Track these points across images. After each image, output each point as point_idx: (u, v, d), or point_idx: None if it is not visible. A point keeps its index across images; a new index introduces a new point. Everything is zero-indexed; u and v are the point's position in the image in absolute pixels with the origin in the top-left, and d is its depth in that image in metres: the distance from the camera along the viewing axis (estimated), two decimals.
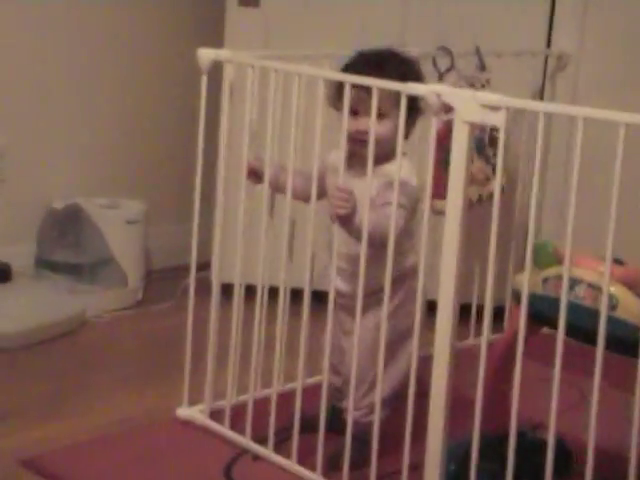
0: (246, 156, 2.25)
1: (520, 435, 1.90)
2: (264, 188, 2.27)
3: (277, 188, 2.26)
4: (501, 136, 1.74)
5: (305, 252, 2.16)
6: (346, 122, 2.02)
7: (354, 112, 2.10)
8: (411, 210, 2.14)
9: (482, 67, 2.88)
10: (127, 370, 2.82)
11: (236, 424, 2.35)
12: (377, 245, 2.05)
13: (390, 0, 3.22)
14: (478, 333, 2.60)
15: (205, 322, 2.44)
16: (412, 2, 3.20)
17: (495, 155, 2.74)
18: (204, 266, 3.54)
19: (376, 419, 2.06)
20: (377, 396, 2.06)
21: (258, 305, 2.36)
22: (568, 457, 2.09)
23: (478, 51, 2.87)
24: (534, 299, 1.89)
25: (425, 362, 2.02)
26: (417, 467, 1.98)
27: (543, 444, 1.90)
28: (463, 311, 2.12)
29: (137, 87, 3.59)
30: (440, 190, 2.53)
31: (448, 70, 2.76)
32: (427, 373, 1.96)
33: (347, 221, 2.03)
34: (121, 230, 3.29)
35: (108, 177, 3.53)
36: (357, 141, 2.13)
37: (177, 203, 3.70)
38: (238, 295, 2.36)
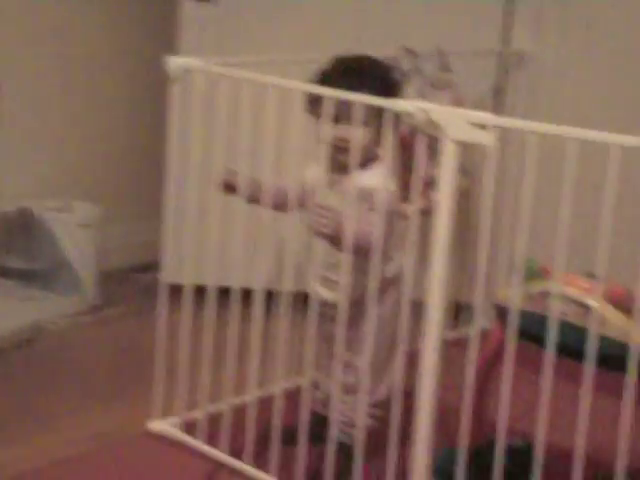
0: (221, 168, 2.22)
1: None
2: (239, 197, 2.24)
3: (253, 201, 2.23)
4: (490, 155, 1.74)
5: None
6: (328, 135, 2.00)
7: (334, 119, 2.08)
8: (390, 216, 2.13)
9: (445, 68, 2.88)
10: (91, 381, 2.75)
11: (212, 436, 2.31)
12: (362, 253, 2.03)
13: (349, 5, 3.21)
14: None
15: (170, 327, 2.37)
16: (369, 4, 3.19)
17: None
18: (158, 266, 3.52)
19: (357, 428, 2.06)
20: (360, 405, 2.05)
21: (215, 307, 2.30)
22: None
23: (441, 52, 2.87)
24: (518, 315, 1.89)
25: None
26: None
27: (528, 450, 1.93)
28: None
29: (87, 87, 3.51)
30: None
31: (412, 72, 2.75)
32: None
33: (331, 237, 2.02)
34: (74, 234, 3.23)
35: (60, 179, 3.46)
36: (337, 148, 2.12)
37: (130, 204, 3.65)
38: (187, 298, 2.31)
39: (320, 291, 2.23)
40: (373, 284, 2.01)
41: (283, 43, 3.05)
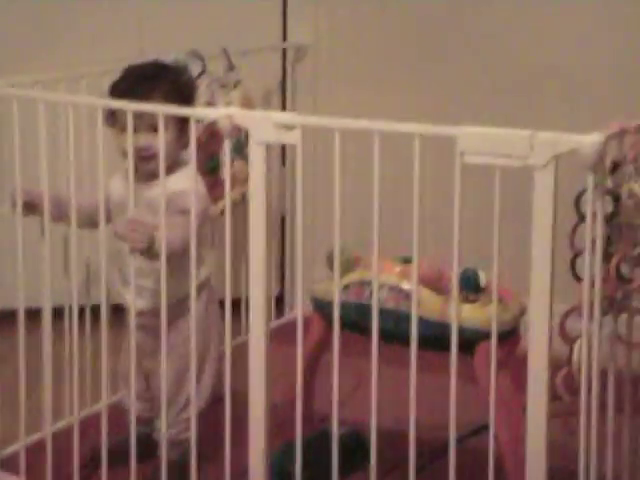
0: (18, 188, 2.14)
1: (324, 434, 1.96)
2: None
3: (57, 219, 2.17)
4: (298, 154, 1.77)
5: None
6: (131, 150, 1.97)
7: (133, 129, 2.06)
8: (202, 219, 2.13)
9: (231, 67, 2.90)
10: None
11: (33, 469, 2.23)
12: (178, 255, 2.02)
13: (126, 12, 3.17)
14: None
15: None
16: (148, 10, 3.17)
17: None
18: None
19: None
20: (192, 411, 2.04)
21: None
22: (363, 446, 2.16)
23: (226, 52, 2.88)
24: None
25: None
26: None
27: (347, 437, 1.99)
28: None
29: None
30: (214, 194, 2.55)
31: (200, 74, 2.75)
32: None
33: (146, 251, 1.99)
34: None
35: None
36: (141, 158, 2.11)
37: None
38: None
39: (126, 296, 2.19)
40: (187, 288, 2.00)
41: (59, 60, 2.97)
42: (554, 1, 2.97)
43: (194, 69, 2.73)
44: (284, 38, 3.28)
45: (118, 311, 2.21)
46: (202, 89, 2.72)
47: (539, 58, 2.98)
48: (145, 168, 2.13)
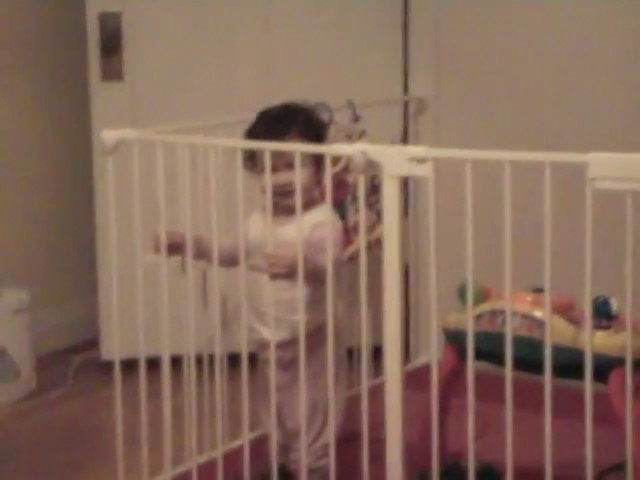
0: (161, 231, 2.24)
1: (456, 465, 1.97)
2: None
3: (199, 257, 2.26)
4: (431, 188, 1.82)
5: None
6: (269, 189, 2.06)
7: (272, 168, 2.14)
8: (341, 250, 2.19)
9: (356, 119, 2.99)
10: (41, 468, 2.69)
11: None
12: (319, 280, 2.07)
13: (254, 66, 3.33)
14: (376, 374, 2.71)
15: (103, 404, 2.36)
16: (275, 64, 3.31)
17: (378, 201, 2.85)
18: (92, 344, 3.52)
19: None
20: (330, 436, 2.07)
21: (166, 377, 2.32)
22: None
23: (351, 104, 2.97)
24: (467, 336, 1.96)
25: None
26: None
27: (482, 470, 1.99)
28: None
29: (9, 169, 3.51)
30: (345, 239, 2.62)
31: (328, 124, 2.84)
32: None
33: (289, 273, 2.06)
34: (7, 320, 3.19)
35: None
36: (279, 194, 2.19)
37: (59, 284, 3.65)
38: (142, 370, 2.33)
39: (261, 330, 2.25)
40: (324, 316, 2.05)
41: (194, 111, 3.13)
42: None
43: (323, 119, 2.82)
44: (405, 91, 3.37)
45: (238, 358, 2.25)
46: (329, 139, 2.80)
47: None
48: (285, 203, 2.20)
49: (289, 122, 2.24)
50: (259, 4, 3.34)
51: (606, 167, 1.65)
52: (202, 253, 2.25)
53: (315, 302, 2.11)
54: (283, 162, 2.15)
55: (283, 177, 2.19)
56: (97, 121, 3.27)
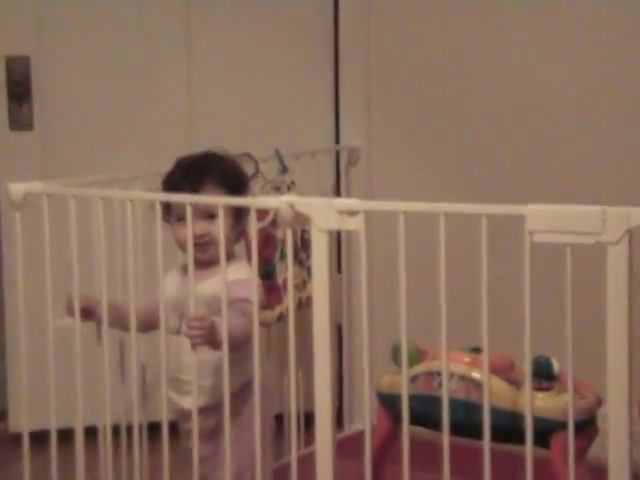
0: (74, 293, 2.24)
1: None
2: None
3: (114, 324, 2.26)
4: (362, 240, 1.85)
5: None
6: (191, 244, 2.07)
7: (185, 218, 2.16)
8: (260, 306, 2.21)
9: (284, 170, 3.02)
10: None
11: None
12: (240, 345, 2.09)
13: (174, 113, 3.35)
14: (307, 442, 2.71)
15: None
16: (197, 111, 3.34)
17: (309, 257, 2.88)
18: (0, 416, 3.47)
19: None
20: None
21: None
22: None
23: (278, 154, 3.00)
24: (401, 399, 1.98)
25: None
26: None
27: None
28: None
29: None
30: (270, 300, 2.64)
31: (253, 175, 2.86)
32: None
33: (209, 343, 2.07)
34: None
35: None
36: (197, 246, 2.19)
37: None
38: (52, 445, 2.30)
39: (179, 400, 2.25)
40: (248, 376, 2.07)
41: (109, 162, 3.14)
42: None
43: (248, 170, 2.85)
44: (337, 140, 3.41)
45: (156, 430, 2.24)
46: (256, 191, 2.82)
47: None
48: (202, 257, 2.20)
49: (206, 171, 2.26)
50: (179, 45, 3.37)
51: (544, 219, 1.69)
52: (117, 319, 2.25)
53: (235, 363, 2.11)
54: (199, 212, 2.16)
55: (198, 228, 2.20)
56: (4, 173, 3.24)
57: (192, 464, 2.12)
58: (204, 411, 2.21)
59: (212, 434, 2.22)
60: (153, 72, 3.36)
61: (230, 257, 2.24)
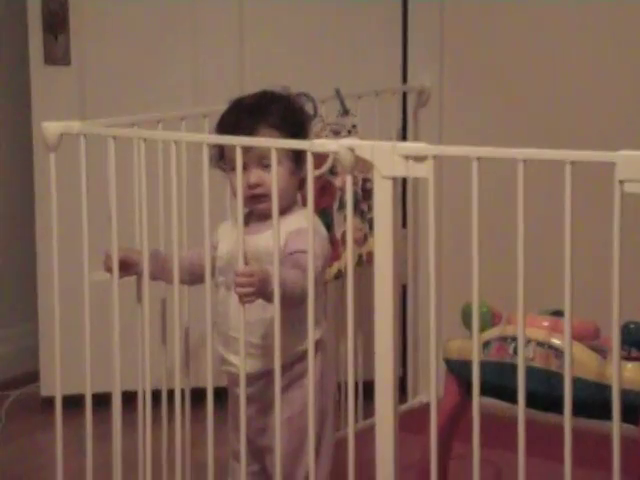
0: (113, 245, 2.24)
1: None
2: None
3: (156, 276, 2.26)
4: (431, 188, 1.82)
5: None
6: (240, 190, 2.05)
7: (243, 166, 2.15)
8: (324, 262, 2.19)
9: (345, 112, 2.99)
10: None
11: None
12: (297, 303, 2.07)
13: (225, 49, 3.34)
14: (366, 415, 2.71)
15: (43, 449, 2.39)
16: (249, 48, 3.32)
17: (371, 209, 2.87)
18: (31, 378, 3.51)
19: None
20: None
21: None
22: None
23: (339, 94, 2.98)
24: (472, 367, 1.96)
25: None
26: None
27: None
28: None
29: None
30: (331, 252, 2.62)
31: (311, 118, 2.84)
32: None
33: (261, 296, 2.05)
34: None
35: None
36: (253, 197, 2.18)
37: None
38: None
39: (233, 360, 2.24)
40: (301, 347, 2.07)
41: (153, 102, 3.14)
42: None
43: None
44: (404, 80, 3.38)
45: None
46: (312, 135, 2.80)
47: None
48: (258, 208, 2.20)
49: (261, 113, 2.24)
50: None
51: (637, 167, 1.65)
52: (160, 270, 2.25)
53: (293, 324, 2.10)
54: (253, 159, 2.15)
55: (253, 177, 2.19)
56: (38, 111, 3.27)
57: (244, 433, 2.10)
58: (259, 377, 2.22)
59: (270, 405, 2.20)
60: (201, 5, 3.33)
61: (292, 206, 2.24)
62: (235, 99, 2.32)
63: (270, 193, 2.01)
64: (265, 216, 2.15)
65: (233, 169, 2.09)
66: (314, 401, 2.02)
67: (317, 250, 2.05)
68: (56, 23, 3.25)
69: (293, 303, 2.07)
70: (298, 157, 2.17)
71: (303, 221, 2.12)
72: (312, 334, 2.00)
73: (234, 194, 2.22)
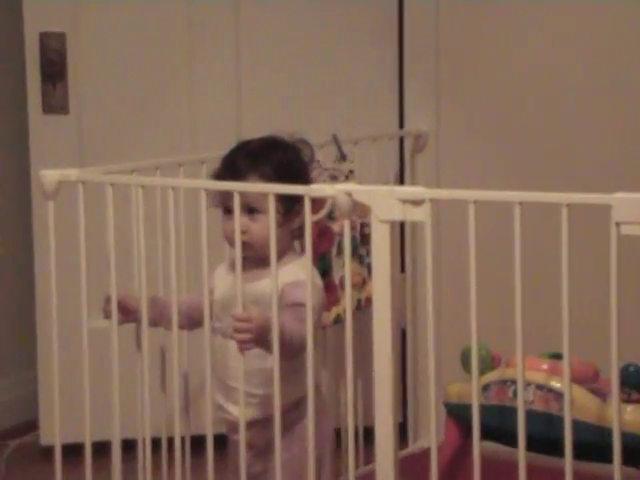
0: (112, 291, 2.24)
1: None
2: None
3: (155, 322, 2.27)
4: (428, 232, 1.83)
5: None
6: (238, 235, 2.06)
7: (227, 211, 2.17)
8: (319, 313, 2.20)
9: (342, 157, 3.00)
10: None
11: None
12: (295, 353, 2.07)
13: (222, 95, 3.35)
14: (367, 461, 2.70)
15: None
16: (247, 93, 3.34)
17: (369, 254, 2.87)
18: (30, 427, 3.50)
19: None
20: None
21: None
22: None
23: (336, 139, 2.99)
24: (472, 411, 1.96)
25: None
26: None
27: None
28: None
29: None
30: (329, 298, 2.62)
31: (308, 163, 2.86)
32: None
33: (260, 345, 2.06)
34: None
35: None
36: (242, 243, 2.14)
37: None
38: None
39: (230, 409, 2.24)
40: (301, 390, 2.05)
41: (153, 149, 3.15)
42: None
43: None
44: (401, 125, 3.39)
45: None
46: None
47: None
48: (248, 255, 2.17)
49: (257, 160, 2.25)
50: (227, 24, 3.35)
51: (633, 210, 1.66)
52: (159, 316, 2.26)
53: (291, 373, 2.11)
54: (241, 204, 2.09)
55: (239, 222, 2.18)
56: (37, 159, 3.28)
57: None
58: (257, 424, 2.22)
59: (266, 450, 2.21)
60: (199, 52, 3.35)
61: (287, 253, 2.24)
62: (242, 141, 2.34)
63: (254, 242, 2.02)
64: (261, 262, 2.16)
65: (224, 212, 2.11)
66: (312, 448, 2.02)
67: (314, 302, 2.04)
68: (54, 72, 3.26)
69: (292, 352, 2.08)
70: (290, 208, 2.17)
71: (300, 272, 2.13)
72: (311, 381, 2.00)
73: (225, 237, 2.23)
